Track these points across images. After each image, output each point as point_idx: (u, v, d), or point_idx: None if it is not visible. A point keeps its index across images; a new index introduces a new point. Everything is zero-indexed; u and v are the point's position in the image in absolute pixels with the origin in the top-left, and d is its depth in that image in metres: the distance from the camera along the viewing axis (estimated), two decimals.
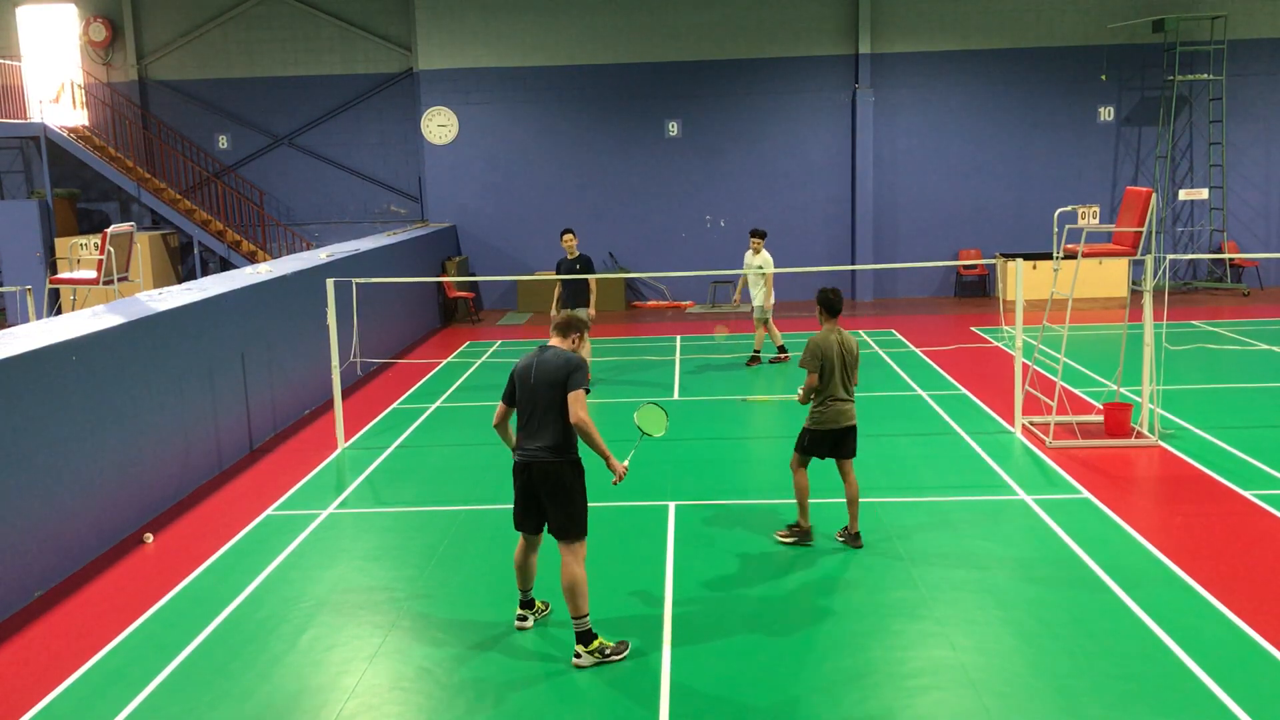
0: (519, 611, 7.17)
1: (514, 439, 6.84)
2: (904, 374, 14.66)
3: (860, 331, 18.30)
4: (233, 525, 9.33)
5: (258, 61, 23.00)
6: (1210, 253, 21.63)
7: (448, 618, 7.31)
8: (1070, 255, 11.19)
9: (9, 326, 14.41)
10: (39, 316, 16.18)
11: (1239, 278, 22.15)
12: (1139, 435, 11.11)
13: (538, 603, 7.26)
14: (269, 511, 9.70)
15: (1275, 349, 15.38)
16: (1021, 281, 11.49)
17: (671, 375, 15.08)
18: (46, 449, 8.13)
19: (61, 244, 20.86)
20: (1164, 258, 13.13)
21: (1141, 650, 6.53)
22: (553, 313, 14.43)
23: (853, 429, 8.40)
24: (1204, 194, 21.64)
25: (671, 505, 9.43)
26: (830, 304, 8.40)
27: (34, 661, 6.87)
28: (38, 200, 21.65)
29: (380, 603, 7.59)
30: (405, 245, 19.01)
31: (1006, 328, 13.68)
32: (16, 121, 21.48)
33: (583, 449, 6.71)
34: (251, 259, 22.13)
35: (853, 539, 8.41)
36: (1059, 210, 11.70)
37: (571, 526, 6.61)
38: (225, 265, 22.24)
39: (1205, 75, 21.32)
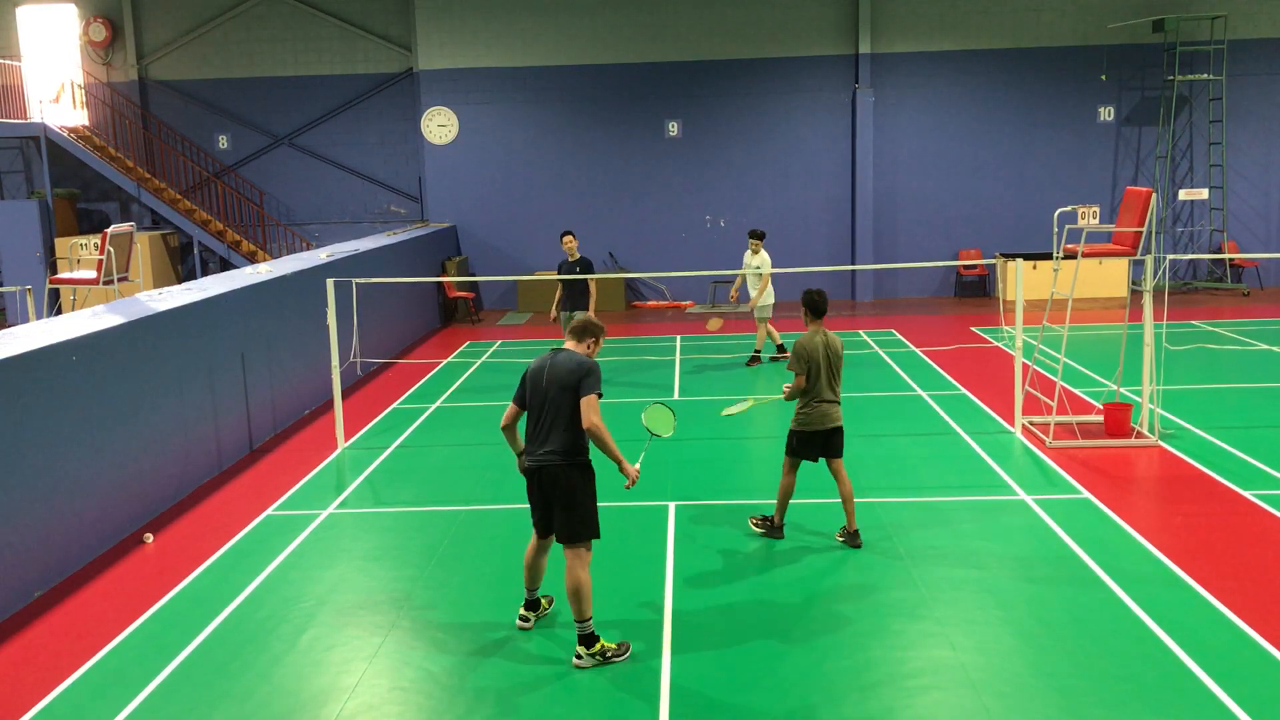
0: (522, 612, 7.14)
1: (520, 444, 6.80)
2: (904, 374, 14.67)
3: (860, 331, 18.31)
4: (233, 525, 9.33)
5: (258, 61, 23.00)
6: (1210, 253, 21.63)
7: (448, 618, 7.31)
8: (1070, 255, 11.19)
9: (9, 326, 14.41)
10: (39, 316, 16.18)
11: (1239, 278, 22.16)
12: (1139, 435, 11.11)
13: (543, 603, 7.22)
14: (269, 511, 9.70)
15: (1275, 349, 15.38)
16: (1021, 281, 11.49)
17: (671, 375, 15.08)
18: (47, 449, 8.13)
19: (61, 244, 20.87)
20: (1164, 258, 13.13)
21: (1141, 650, 6.53)
22: (553, 314, 14.44)
23: (839, 430, 8.40)
24: (1204, 194, 21.64)
25: (671, 505, 9.43)
26: (815, 305, 8.42)
27: (34, 661, 6.87)
28: (38, 200, 21.66)
29: (380, 603, 7.59)
30: (405, 245, 19.01)
31: (1006, 328, 13.68)
32: (16, 121, 21.48)
33: (593, 451, 6.69)
34: (251, 259, 22.13)
35: (852, 537, 8.41)
36: (1059, 210, 11.70)
37: (579, 530, 6.58)
38: (225, 265, 22.24)
39: (1205, 75, 21.32)
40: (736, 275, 16.22)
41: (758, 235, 15.28)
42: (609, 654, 6.57)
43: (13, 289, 17.19)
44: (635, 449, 7.04)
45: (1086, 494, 9.47)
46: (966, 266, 21.98)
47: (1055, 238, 11.11)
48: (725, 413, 8.90)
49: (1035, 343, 12.52)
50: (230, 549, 8.77)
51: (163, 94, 23.24)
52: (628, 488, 6.83)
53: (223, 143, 23.34)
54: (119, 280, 13.85)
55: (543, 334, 18.83)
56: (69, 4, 23.00)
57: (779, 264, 19.04)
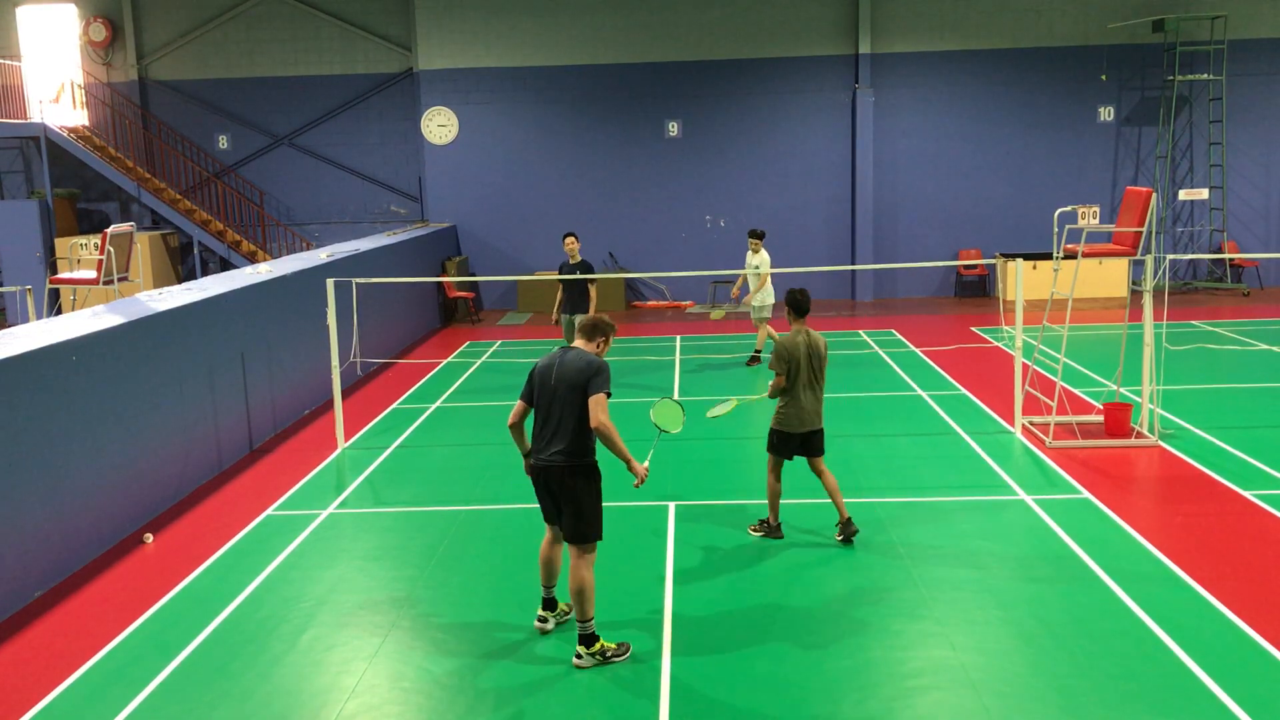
0: (540, 613, 7.06)
1: (527, 443, 6.78)
2: (904, 374, 14.67)
3: (860, 331, 18.32)
4: (233, 525, 9.33)
5: (258, 61, 23.00)
6: (1210, 253, 21.63)
7: (448, 618, 7.31)
8: (1070, 255, 11.18)
9: (9, 326, 14.41)
10: (39, 316, 16.18)
11: (1239, 278, 22.15)
12: (1139, 435, 11.11)
13: (560, 604, 7.15)
14: (269, 511, 9.70)
15: (1275, 349, 15.38)
16: (1021, 281, 11.49)
17: (671, 375, 15.08)
18: (46, 449, 8.13)
19: (61, 244, 20.87)
20: (1164, 258, 13.13)
21: (1141, 650, 6.53)
22: (554, 315, 14.42)
23: (818, 431, 8.44)
24: (1204, 194, 21.64)
25: (671, 505, 9.43)
26: (798, 304, 8.45)
27: (34, 661, 6.87)
28: (38, 200, 21.66)
29: (380, 603, 7.59)
30: (405, 245, 19.01)
31: (1006, 328, 13.68)
32: (16, 121, 21.48)
33: (600, 451, 6.67)
34: (251, 259, 22.13)
35: (846, 525, 8.42)
36: (1059, 210, 11.70)
37: (584, 531, 6.57)
38: (225, 265, 22.24)
39: (1205, 75, 21.32)
40: (736, 275, 16.23)
41: (757, 235, 15.29)
42: (609, 654, 6.56)
43: (13, 289, 17.19)
44: (638, 449, 7.04)
45: (1086, 494, 9.47)
46: (966, 266, 21.98)
47: (1055, 238, 11.11)
48: (710, 414, 8.89)
49: (1035, 343, 12.52)
50: (230, 549, 8.77)
51: (163, 94, 23.24)
52: (636, 486, 6.80)
53: (223, 143, 23.34)
54: (119, 280, 13.85)
55: (543, 334, 18.83)
56: (69, 4, 23.00)
57: (779, 264, 19.05)
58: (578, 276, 13.93)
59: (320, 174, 23.33)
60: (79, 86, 23.02)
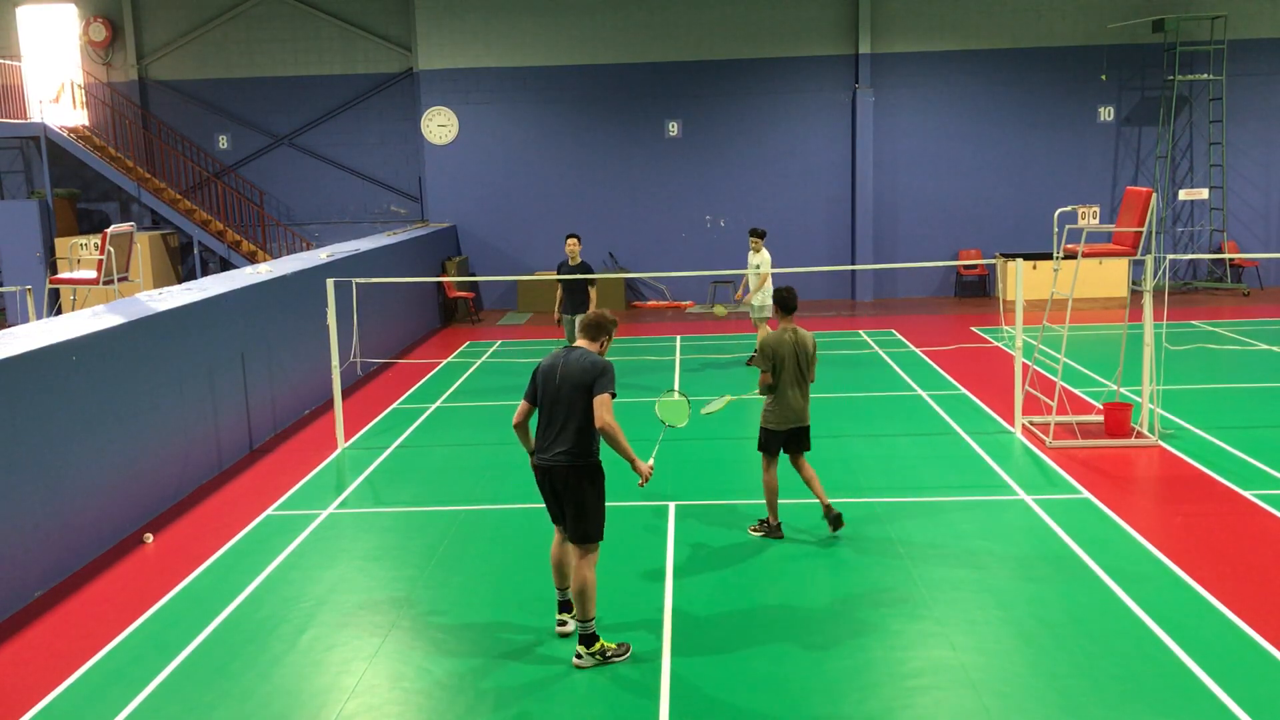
0: (559, 616, 6.99)
1: (532, 442, 6.78)
2: (904, 374, 14.67)
3: (860, 331, 18.32)
4: (233, 525, 9.33)
5: (258, 61, 22.99)
6: (1210, 253, 21.63)
7: (448, 618, 7.31)
8: (1070, 255, 11.18)
9: (9, 326, 14.41)
10: (39, 316, 16.18)
11: (1239, 278, 22.15)
12: (1139, 435, 11.10)
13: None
14: (269, 511, 9.70)
15: (1275, 349, 15.38)
16: (1021, 281, 11.49)
17: (671, 376, 15.08)
18: (46, 449, 8.13)
19: (61, 244, 20.86)
20: (1164, 258, 13.13)
21: (1141, 650, 6.53)
22: (555, 315, 14.42)
23: (805, 429, 8.50)
24: (1204, 194, 21.63)
25: (671, 505, 9.43)
26: (785, 302, 8.55)
27: (34, 661, 6.87)
28: (38, 200, 21.66)
29: (380, 603, 7.59)
30: (405, 245, 19.01)
31: (1006, 328, 13.68)
32: (16, 121, 21.48)
33: (605, 451, 6.66)
34: (251, 259, 22.13)
35: (827, 509, 8.50)
36: (1059, 210, 11.70)
37: (586, 530, 6.56)
38: (225, 265, 22.24)
39: (1205, 75, 21.32)
40: (735, 275, 16.22)
41: (758, 234, 15.27)
42: (609, 654, 6.56)
43: (13, 289, 17.19)
44: (640, 449, 7.02)
45: (1086, 494, 9.47)
46: (966, 266, 21.97)
47: (1055, 238, 11.11)
48: (704, 410, 8.90)
49: (1035, 343, 12.52)
50: (230, 549, 8.77)
51: (163, 94, 23.24)
52: (641, 485, 6.81)
53: (223, 143, 23.34)
54: (119, 280, 13.84)
55: (543, 334, 18.83)
56: (69, 4, 23.00)
57: (779, 264, 19.04)
58: (577, 277, 13.92)
59: (320, 174, 23.33)
60: (79, 86, 23.02)
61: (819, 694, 6.15)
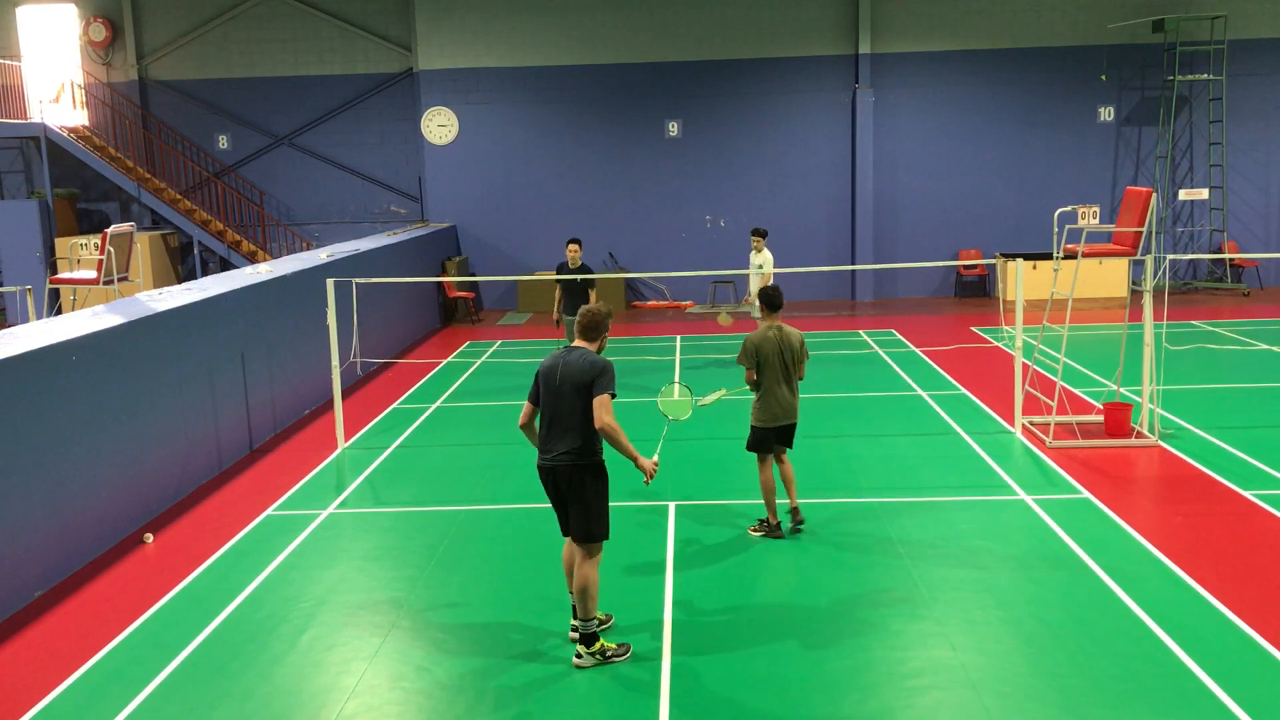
0: (573, 622, 6.82)
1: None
2: (904, 374, 14.66)
3: (860, 331, 18.32)
4: (233, 525, 9.33)
5: (258, 61, 22.99)
6: (1210, 253, 21.63)
7: (448, 618, 7.31)
8: (1070, 255, 11.18)
9: (9, 326, 14.41)
10: (39, 316, 16.18)
11: (1239, 278, 22.15)
12: (1139, 435, 11.10)
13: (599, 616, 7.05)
14: (269, 511, 9.70)
15: (1275, 349, 15.38)
16: (1021, 281, 11.49)
17: (672, 376, 15.08)
18: (46, 449, 8.13)
19: (61, 244, 20.86)
20: (1164, 258, 13.13)
21: (1141, 650, 6.53)
22: (554, 316, 14.41)
23: (792, 425, 8.56)
24: (1204, 194, 21.64)
25: (671, 505, 9.43)
26: (770, 299, 8.57)
27: (34, 661, 6.87)
28: (38, 200, 21.66)
29: (380, 603, 7.59)
30: (405, 245, 19.01)
31: (1006, 328, 13.68)
32: (16, 121, 21.48)
33: (608, 450, 6.65)
34: (251, 259, 22.13)
35: (794, 511, 8.58)
36: (1059, 210, 11.69)
37: (590, 529, 6.56)
38: (225, 265, 22.24)
39: (1205, 75, 21.32)
40: (734, 275, 16.20)
41: (760, 233, 15.26)
42: (609, 654, 6.56)
43: (13, 289, 17.19)
44: (643, 447, 7.03)
45: (1086, 494, 9.47)
46: (966, 266, 21.97)
47: (1055, 238, 11.11)
48: (700, 402, 8.90)
49: (1035, 343, 12.52)
50: (230, 549, 8.77)
51: (163, 94, 23.24)
52: (647, 484, 6.83)
53: (223, 143, 23.34)
54: (119, 280, 13.84)
55: (543, 334, 18.82)
56: (69, 4, 22.99)
57: (779, 264, 19.03)
58: (577, 277, 13.92)
59: (320, 174, 23.32)
60: (79, 86, 23.02)
61: (819, 694, 6.15)
